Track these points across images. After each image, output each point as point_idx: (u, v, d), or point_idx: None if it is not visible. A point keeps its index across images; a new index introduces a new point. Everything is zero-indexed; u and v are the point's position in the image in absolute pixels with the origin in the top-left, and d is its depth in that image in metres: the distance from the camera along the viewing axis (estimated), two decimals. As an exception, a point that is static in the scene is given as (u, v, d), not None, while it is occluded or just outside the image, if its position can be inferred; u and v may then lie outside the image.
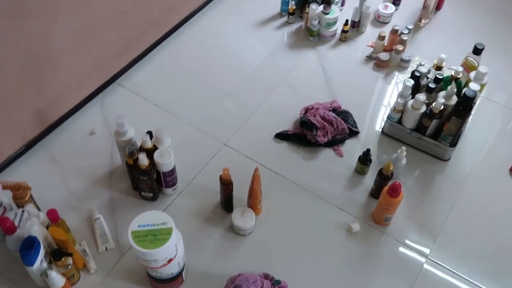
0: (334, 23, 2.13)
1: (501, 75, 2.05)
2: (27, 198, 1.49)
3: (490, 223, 1.64)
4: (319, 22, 2.11)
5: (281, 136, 1.82)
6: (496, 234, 1.61)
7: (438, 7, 2.29)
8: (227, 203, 1.61)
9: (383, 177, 1.58)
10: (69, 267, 1.39)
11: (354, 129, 1.83)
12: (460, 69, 1.74)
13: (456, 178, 1.74)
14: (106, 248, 1.54)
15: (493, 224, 1.64)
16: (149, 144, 1.54)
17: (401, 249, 1.57)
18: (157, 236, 1.25)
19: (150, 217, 1.29)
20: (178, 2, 2.09)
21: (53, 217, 1.41)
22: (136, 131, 1.58)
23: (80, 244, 1.54)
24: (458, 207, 1.66)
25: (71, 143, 1.79)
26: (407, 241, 1.58)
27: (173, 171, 1.59)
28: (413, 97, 1.74)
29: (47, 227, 1.43)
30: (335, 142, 1.79)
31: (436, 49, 2.13)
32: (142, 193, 1.62)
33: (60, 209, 1.44)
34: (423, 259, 1.54)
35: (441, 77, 1.72)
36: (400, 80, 2.03)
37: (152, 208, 1.62)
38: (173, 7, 2.07)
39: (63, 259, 1.36)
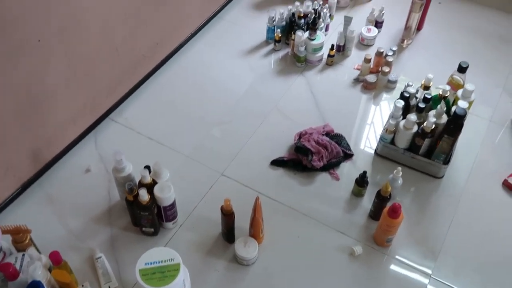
0: (320, 48, 2.17)
1: (485, 91, 2.11)
2: (27, 241, 1.46)
3: (488, 237, 1.67)
4: (305, 48, 2.16)
5: (277, 162, 1.84)
6: (495, 247, 1.64)
7: (419, 27, 2.36)
8: (228, 234, 1.61)
9: (381, 199, 1.61)
10: (74, 309, 1.37)
11: (348, 152, 1.86)
12: (447, 87, 1.78)
13: (451, 194, 1.77)
14: (109, 287, 1.52)
15: (491, 237, 1.67)
16: (148, 179, 1.54)
17: (404, 270, 1.58)
18: (165, 273, 1.25)
19: (156, 254, 1.29)
20: (166, 36, 2.11)
21: (56, 260, 1.39)
22: (132, 166, 1.58)
23: (82, 285, 1.52)
24: (456, 224, 1.69)
25: (67, 181, 1.78)
26: (409, 262, 1.60)
27: (173, 204, 1.59)
28: (404, 118, 1.78)
29: (49, 270, 1.41)
30: (330, 166, 1.82)
31: (421, 69, 2.20)
32: (143, 229, 1.62)
33: (60, 250, 1.42)
34: (426, 280, 1.56)
35: (429, 97, 1.76)
36: (387, 99, 2.08)
37: (153, 243, 1.62)
38: (161, 40, 2.09)
39: (68, 302, 1.35)
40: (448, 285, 1.55)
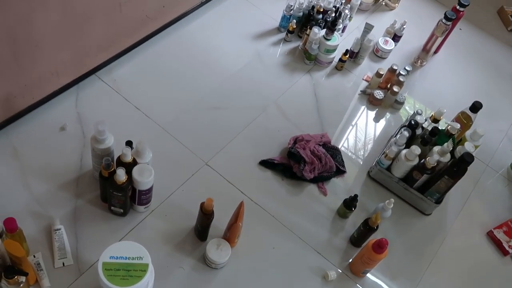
0: (334, 50, 2.05)
1: (487, 132, 2.02)
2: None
3: (465, 285, 1.62)
4: (318, 47, 2.03)
5: (267, 164, 1.72)
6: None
7: (436, 50, 2.26)
8: (202, 232, 1.50)
9: (368, 228, 1.52)
10: (21, 285, 1.24)
11: (342, 168, 1.77)
12: (457, 125, 1.70)
13: (435, 235, 1.71)
14: (63, 263, 1.39)
15: (468, 286, 1.62)
16: (129, 159, 1.40)
17: (375, 304, 1.52)
18: (131, 272, 1.13)
19: (124, 248, 1.17)
20: (175, -1, 1.94)
21: (11, 228, 1.25)
22: (112, 133, 1.43)
23: (34, 256, 1.38)
24: (435, 265, 1.64)
25: (38, 136, 1.62)
26: (381, 297, 1.54)
27: (150, 189, 1.46)
28: (406, 147, 1.69)
29: (0, 236, 1.27)
30: (321, 179, 1.72)
31: (429, 94, 2.13)
32: (112, 208, 1.48)
33: (17, 211, 1.31)
34: (396, 318, 1.51)
35: (437, 131, 1.68)
36: (390, 120, 1.99)
37: (120, 224, 1.49)
38: (169, 3, 1.92)
39: (16, 277, 1.21)
40: (415, 330, 1.50)
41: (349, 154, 1.85)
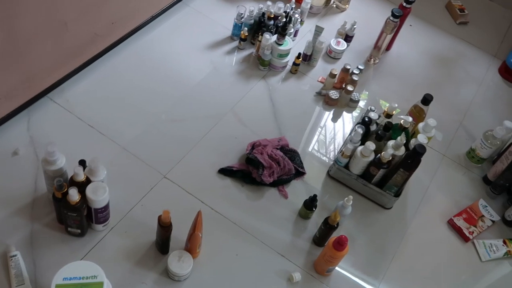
0: (287, 54, 2.07)
1: (442, 123, 2.07)
2: None
3: (429, 274, 1.65)
4: (271, 52, 2.05)
5: (225, 172, 1.73)
6: (434, 285, 1.62)
7: (387, 48, 2.31)
8: (163, 245, 1.49)
9: (328, 227, 1.54)
10: (-24, 315, 1.21)
11: (301, 170, 1.78)
12: (410, 119, 1.74)
13: (397, 227, 1.74)
14: (21, 290, 1.37)
15: (432, 275, 1.65)
16: (81, 178, 1.39)
17: (341, 301, 1.53)
18: (85, 292, 1.11)
19: (78, 268, 1.16)
20: (124, 15, 1.93)
21: (-39, 258, 1.23)
22: (66, 154, 1.41)
23: (-10, 285, 1.36)
24: (398, 257, 1.66)
25: (-11, 163, 1.60)
26: (347, 294, 1.55)
27: (106, 207, 1.44)
28: (362, 143, 1.71)
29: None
30: (280, 182, 1.73)
31: (383, 90, 2.16)
32: (69, 229, 1.46)
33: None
34: (362, 314, 1.52)
35: (391, 126, 1.71)
36: (347, 118, 2.01)
37: (79, 245, 1.47)
38: (119, 20, 1.91)
39: (-31, 308, 1.19)
40: (383, 324, 1.51)
41: (308, 155, 1.87)
